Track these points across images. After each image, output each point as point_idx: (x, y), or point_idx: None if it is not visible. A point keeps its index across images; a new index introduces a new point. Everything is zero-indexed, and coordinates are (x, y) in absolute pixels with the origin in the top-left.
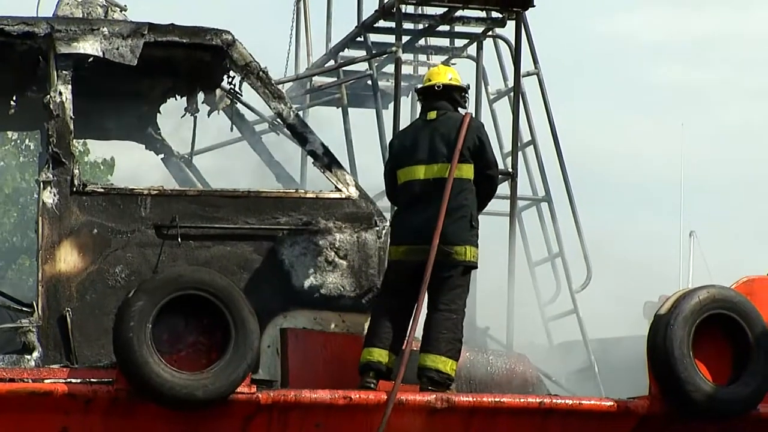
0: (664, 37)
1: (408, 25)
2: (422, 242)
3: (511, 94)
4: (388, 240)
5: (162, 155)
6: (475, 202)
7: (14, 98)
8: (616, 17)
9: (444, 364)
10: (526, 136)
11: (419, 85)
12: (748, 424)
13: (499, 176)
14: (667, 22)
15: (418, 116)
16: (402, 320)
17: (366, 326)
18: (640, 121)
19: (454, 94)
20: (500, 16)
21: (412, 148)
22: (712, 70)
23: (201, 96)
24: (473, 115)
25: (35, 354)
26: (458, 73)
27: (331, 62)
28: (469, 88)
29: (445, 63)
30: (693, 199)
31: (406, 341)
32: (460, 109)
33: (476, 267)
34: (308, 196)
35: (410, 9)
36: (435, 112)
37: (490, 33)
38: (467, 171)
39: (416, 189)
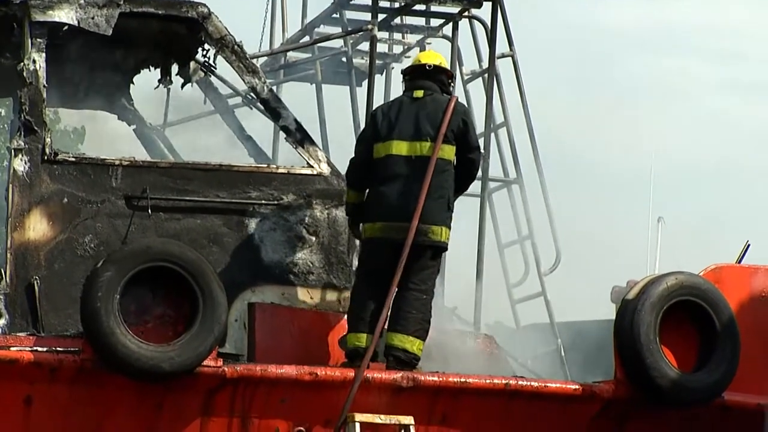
0: (639, 25)
1: (384, 3)
2: (401, 220)
3: (486, 75)
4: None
5: (134, 126)
6: (453, 185)
7: None
8: (594, 4)
9: (411, 343)
10: (499, 117)
11: (407, 65)
12: (713, 411)
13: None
14: (643, 11)
15: (402, 93)
16: (382, 301)
17: (334, 302)
18: (613, 106)
19: (442, 77)
20: None
21: (396, 123)
22: (685, 59)
23: (175, 68)
24: (459, 99)
25: (2, 321)
26: (446, 61)
27: (306, 38)
28: (453, 75)
29: (421, 42)
30: (662, 184)
31: (379, 321)
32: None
33: (447, 249)
34: (280, 171)
35: None
36: (422, 91)
37: (466, 13)
38: (449, 152)
39: (397, 165)
